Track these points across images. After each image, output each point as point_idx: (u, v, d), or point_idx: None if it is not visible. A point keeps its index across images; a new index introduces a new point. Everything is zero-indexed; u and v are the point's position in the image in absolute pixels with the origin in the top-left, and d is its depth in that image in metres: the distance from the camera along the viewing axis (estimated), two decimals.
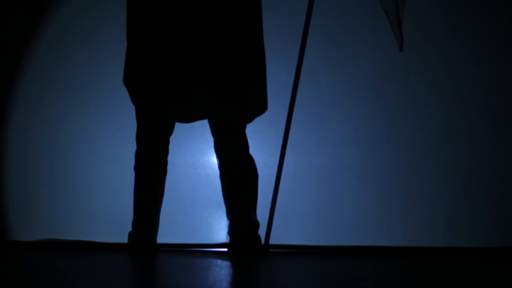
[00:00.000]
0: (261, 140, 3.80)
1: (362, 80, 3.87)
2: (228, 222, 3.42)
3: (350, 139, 3.86)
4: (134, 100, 3.39)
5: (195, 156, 3.85)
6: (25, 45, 3.95)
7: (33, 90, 3.95)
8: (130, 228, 3.40)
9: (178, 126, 3.46)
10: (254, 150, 3.48)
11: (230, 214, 3.40)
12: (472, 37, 3.84)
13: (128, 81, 3.35)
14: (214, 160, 3.46)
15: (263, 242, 3.44)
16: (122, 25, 3.37)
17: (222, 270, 2.73)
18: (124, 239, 3.40)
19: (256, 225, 3.39)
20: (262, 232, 3.43)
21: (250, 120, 3.42)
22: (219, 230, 3.77)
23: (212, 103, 3.32)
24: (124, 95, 3.42)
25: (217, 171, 3.43)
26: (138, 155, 3.40)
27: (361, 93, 3.88)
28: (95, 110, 3.91)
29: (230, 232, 3.39)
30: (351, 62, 3.87)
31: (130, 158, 3.41)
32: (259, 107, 3.40)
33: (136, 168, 3.41)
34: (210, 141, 3.44)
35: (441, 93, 3.87)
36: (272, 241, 3.51)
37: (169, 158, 3.43)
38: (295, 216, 3.79)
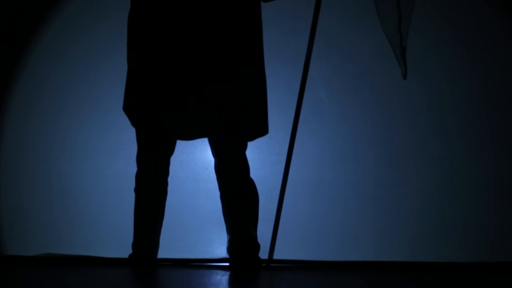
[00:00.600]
0: (261, 155, 3.80)
1: (364, 91, 3.88)
2: (228, 237, 3.40)
3: (350, 154, 3.86)
4: (134, 123, 3.38)
5: (196, 170, 3.84)
6: (24, 45, 3.95)
7: (30, 91, 3.94)
8: (131, 239, 3.38)
9: (179, 141, 3.45)
10: (255, 165, 3.47)
11: (230, 231, 3.39)
12: (473, 40, 3.86)
13: (129, 105, 3.34)
14: (214, 175, 3.45)
15: (266, 257, 3.45)
16: (121, 24, 3.36)
17: (222, 284, 2.73)
18: (125, 254, 3.39)
19: (257, 242, 3.37)
20: (265, 246, 3.42)
21: (251, 139, 3.41)
22: (219, 245, 3.76)
23: (213, 121, 3.31)
24: (122, 94, 3.39)
25: (217, 186, 3.42)
26: (139, 177, 3.38)
27: (362, 107, 3.89)
28: (94, 109, 3.89)
29: (230, 248, 3.37)
30: (352, 74, 3.89)
31: (130, 170, 3.40)
32: (260, 127, 3.38)
33: (136, 190, 3.40)
34: (211, 156, 3.43)
35: (443, 107, 3.88)
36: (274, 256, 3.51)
37: (170, 172, 3.42)
38: (295, 231, 3.79)
